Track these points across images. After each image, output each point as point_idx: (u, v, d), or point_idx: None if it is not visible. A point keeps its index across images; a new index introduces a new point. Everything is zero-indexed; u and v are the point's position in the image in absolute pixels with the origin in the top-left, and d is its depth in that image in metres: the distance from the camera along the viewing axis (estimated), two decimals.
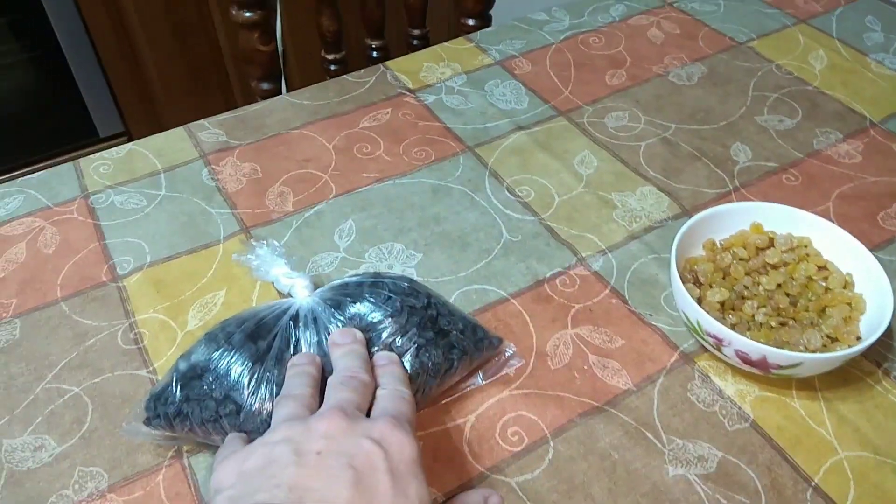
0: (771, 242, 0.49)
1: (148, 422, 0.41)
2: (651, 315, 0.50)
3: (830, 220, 0.56)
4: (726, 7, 0.82)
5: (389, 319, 0.42)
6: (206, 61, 1.56)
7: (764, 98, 0.69)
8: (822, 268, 0.48)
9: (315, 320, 0.42)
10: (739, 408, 0.45)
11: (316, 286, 0.46)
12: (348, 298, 0.43)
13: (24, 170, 1.50)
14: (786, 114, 0.67)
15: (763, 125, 0.66)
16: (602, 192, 0.59)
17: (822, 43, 0.76)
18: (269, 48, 0.92)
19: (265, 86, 0.97)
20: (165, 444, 0.42)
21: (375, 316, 0.42)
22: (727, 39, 0.77)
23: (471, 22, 1.06)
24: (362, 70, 0.73)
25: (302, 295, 0.44)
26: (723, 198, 0.59)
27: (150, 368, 0.47)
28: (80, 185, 0.60)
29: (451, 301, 0.51)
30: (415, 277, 0.52)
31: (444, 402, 0.45)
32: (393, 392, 0.38)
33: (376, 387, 0.39)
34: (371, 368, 0.39)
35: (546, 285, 0.52)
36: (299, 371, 0.39)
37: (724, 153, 0.63)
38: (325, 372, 0.40)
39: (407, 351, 0.41)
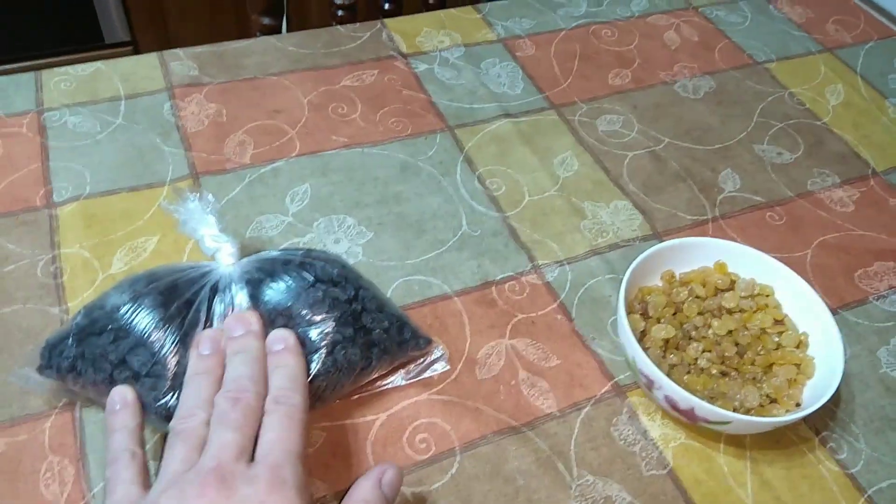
0: (732, 285, 0.47)
1: (40, 370, 0.39)
2: (594, 339, 0.48)
3: (805, 268, 0.54)
4: (752, 21, 0.77)
5: (308, 309, 0.39)
6: None
7: (768, 126, 0.65)
8: (779, 321, 0.45)
9: (231, 294, 0.40)
10: (661, 452, 0.43)
11: (248, 253, 0.43)
12: (270, 277, 0.40)
13: (23, 63, 1.46)
14: (787, 147, 0.63)
15: (760, 155, 0.62)
16: (575, 198, 0.56)
17: (843, 77, 0.72)
18: None
19: (265, 20, 0.92)
20: (56, 394, 0.40)
21: (294, 303, 0.39)
22: (745, 56, 0.72)
23: None
24: (358, 24, 0.69)
25: (226, 262, 0.42)
26: (698, 226, 0.56)
27: (64, 307, 0.45)
28: (36, 98, 0.57)
29: (391, 289, 0.48)
30: (360, 257, 0.50)
31: (356, 396, 0.43)
32: (280, 414, 0.35)
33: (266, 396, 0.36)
34: (263, 372, 0.37)
35: (494, 288, 0.50)
36: (199, 372, 0.36)
37: (712, 178, 0.60)
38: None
39: (322, 345, 0.39)
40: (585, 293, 0.50)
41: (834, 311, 0.51)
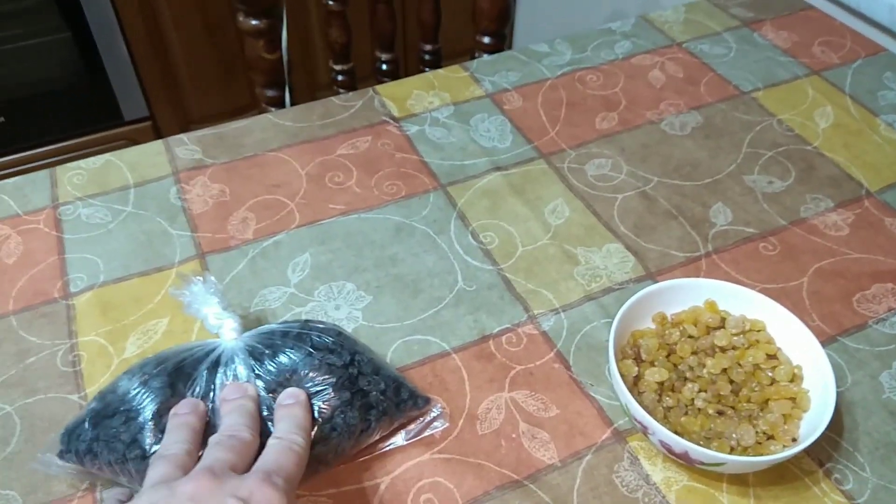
0: (723, 323, 0.47)
1: (61, 455, 0.41)
2: (592, 385, 0.48)
3: (802, 297, 0.54)
4: (737, 51, 0.79)
5: (306, 378, 0.41)
6: (234, 56, 1.57)
7: (757, 156, 0.66)
8: (772, 356, 0.46)
9: (234, 367, 0.42)
10: (663, 497, 0.43)
11: (252, 327, 0.45)
12: (271, 349, 0.42)
13: (48, 147, 1.54)
14: (777, 175, 0.64)
15: (751, 186, 0.63)
16: (568, 245, 0.58)
17: (832, 99, 0.73)
18: (274, 56, 0.92)
19: (269, 93, 0.97)
20: (77, 477, 0.42)
21: (294, 373, 0.41)
22: (731, 87, 0.74)
23: (486, 40, 1.05)
24: (350, 93, 0.73)
25: (229, 337, 0.44)
26: (692, 263, 0.57)
27: (82, 394, 0.47)
28: (51, 194, 0.61)
29: (391, 351, 0.50)
30: (360, 322, 0.52)
31: (361, 459, 0.44)
32: (280, 445, 0.37)
33: (266, 438, 0.38)
34: (257, 425, 0.39)
35: (491, 342, 0.51)
36: (178, 423, 0.39)
37: (703, 213, 0.60)
38: (212, 421, 0.40)
39: (321, 410, 0.41)
40: (582, 339, 0.51)
41: (833, 339, 0.52)
